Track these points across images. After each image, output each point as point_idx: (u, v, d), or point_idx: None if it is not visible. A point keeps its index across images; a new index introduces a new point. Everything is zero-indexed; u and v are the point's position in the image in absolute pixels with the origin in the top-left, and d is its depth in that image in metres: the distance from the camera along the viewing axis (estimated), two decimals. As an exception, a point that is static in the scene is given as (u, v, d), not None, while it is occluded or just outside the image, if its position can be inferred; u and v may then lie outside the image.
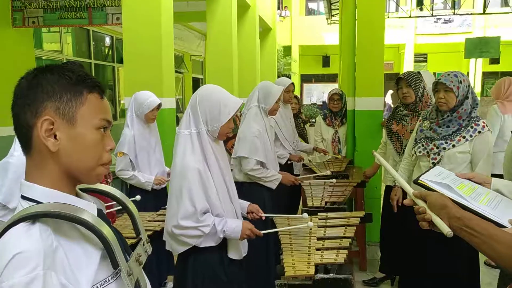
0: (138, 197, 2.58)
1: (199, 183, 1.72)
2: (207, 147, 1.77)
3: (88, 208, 0.82)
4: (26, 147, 0.81)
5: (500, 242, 0.86)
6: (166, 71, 4.26)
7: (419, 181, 1.36)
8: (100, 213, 0.86)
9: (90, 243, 0.79)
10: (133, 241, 1.55)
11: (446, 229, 0.96)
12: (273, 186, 2.71)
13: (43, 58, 7.09)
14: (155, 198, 2.95)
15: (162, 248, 1.92)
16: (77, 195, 0.87)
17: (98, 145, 0.84)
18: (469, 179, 1.42)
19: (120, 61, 8.39)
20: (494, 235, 0.88)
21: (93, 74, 8.18)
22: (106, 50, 9.01)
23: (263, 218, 2.08)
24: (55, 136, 0.80)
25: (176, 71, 9.19)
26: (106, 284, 0.79)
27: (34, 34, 5.73)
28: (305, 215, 2.00)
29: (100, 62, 8.53)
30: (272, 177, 2.70)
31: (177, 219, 1.71)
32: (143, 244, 0.97)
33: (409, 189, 1.13)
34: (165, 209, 2.19)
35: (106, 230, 0.77)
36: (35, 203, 0.78)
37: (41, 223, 0.74)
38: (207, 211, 1.76)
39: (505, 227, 1.16)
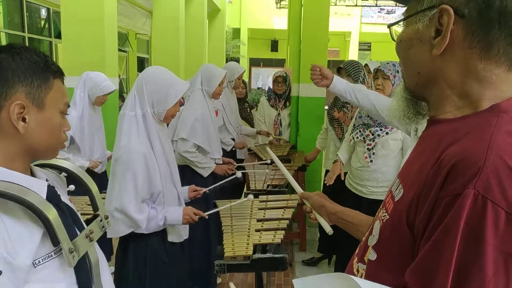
0: (72, 187, 2.40)
1: (144, 168, 1.71)
2: (152, 130, 1.75)
3: (36, 186, 0.85)
4: None
5: (364, 226, 0.99)
6: (109, 50, 4.09)
7: None
8: (51, 190, 0.90)
9: (32, 221, 0.82)
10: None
11: (327, 228, 1.09)
12: (204, 174, 2.69)
13: (-30, 28, 6.50)
14: (95, 181, 2.87)
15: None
16: (31, 170, 0.91)
17: (61, 127, 0.91)
18: None
19: (58, 35, 7.88)
20: (360, 221, 1.03)
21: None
22: (42, 23, 8.41)
23: (207, 192, 2.10)
24: (23, 119, 0.84)
25: (120, 50, 8.81)
26: (49, 259, 0.84)
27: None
28: (250, 196, 2.03)
29: (35, 36, 7.95)
30: (205, 165, 2.68)
31: (121, 203, 1.69)
32: (100, 220, 1.03)
33: (299, 190, 1.23)
34: (104, 193, 2.14)
35: (48, 210, 0.82)
36: None
37: None
38: (144, 199, 1.75)
39: None
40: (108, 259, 3.02)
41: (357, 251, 0.80)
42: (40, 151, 0.90)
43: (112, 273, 2.13)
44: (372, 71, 3.61)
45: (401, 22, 0.74)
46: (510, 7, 0.60)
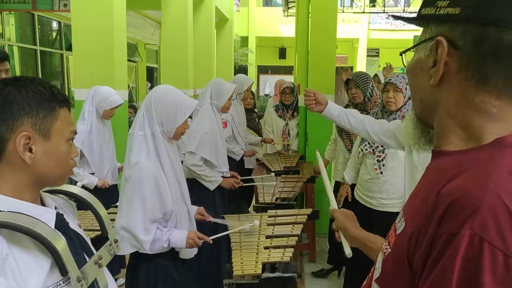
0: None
1: (154, 188, 1.71)
2: (162, 148, 1.76)
3: (45, 216, 0.87)
4: None
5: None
6: (118, 63, 4.12)
7: None
8: (59, 218, 0.91)
9: (41, 251, 0.83)
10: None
11: (347, 251, 1.08)
12: (211, 187, 2.68)
13: (-17, 42, 6.63)
14: (106, 194, 2.89)
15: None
16: (41, 197, 0.93)
17: (68, 155, 0.92)
18: None
19: (69, 48, 8.00)
20: (378, 246, 1.00)
21: (39, 62, 7.72)
22: (53, 36, 8.55)
23: (211, 222, 2.09)
24: (30, 150, 0.86)
25: (129, 60, 8.90)
26: None
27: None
28: (256, 222, 1.97)
29: (47, 48, 8.07)
30: (212, 178, 2.67)
31: (128, 222, 1.70)
32: (110, 245, 1.04)
33: (334, 205, 1.22)
34: (115, 207, 2.15)
35: (56, 240, 0.83)
36: None
37: None
38: (156, 219, 1.75)
39: None
40: (118, 272, 3.03)
41: (365, 282, 0.79)
42: (48, 179, 0.91)
43: (121, 285, 2.11)
44: (381, 81, 3.61)
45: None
46: (506, 41, 0.59)
